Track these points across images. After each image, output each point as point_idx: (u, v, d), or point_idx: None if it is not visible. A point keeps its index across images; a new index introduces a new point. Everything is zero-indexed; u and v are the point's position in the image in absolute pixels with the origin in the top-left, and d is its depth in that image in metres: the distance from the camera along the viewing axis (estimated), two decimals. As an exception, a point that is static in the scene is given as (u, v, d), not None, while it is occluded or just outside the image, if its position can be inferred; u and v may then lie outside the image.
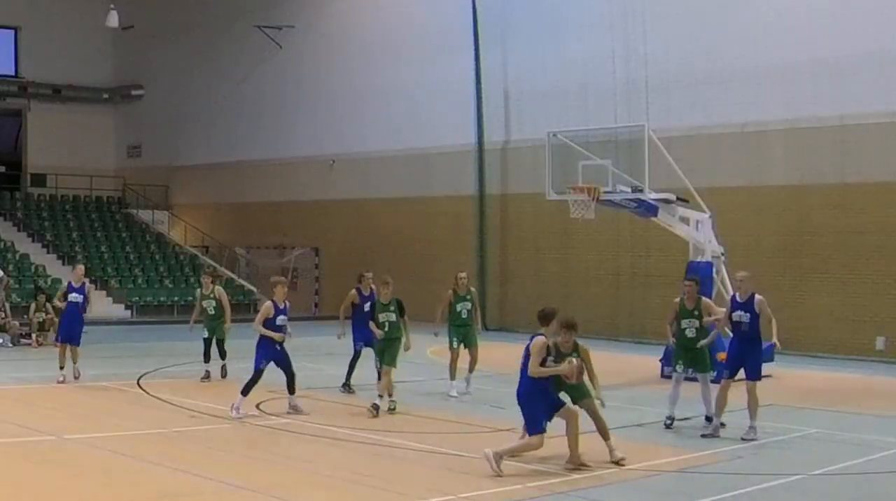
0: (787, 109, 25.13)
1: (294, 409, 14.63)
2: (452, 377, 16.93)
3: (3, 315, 24.51)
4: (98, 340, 23.16)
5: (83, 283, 18.08)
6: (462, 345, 17.12)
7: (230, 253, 39.44)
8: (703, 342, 13.78)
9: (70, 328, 17.62)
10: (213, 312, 18.09)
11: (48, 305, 24.82)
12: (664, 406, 14.00)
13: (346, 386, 17.13)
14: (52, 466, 11.05)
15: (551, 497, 10.07)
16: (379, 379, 15.21)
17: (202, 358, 18.21)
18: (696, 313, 13.92)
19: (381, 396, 14.87)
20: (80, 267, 18.78)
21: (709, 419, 13.57)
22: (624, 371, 19.63)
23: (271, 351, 14.54)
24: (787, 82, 25.12)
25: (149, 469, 10.93)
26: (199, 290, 18.83)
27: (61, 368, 17.39)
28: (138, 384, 17.38)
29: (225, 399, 15.20)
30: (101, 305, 28.31)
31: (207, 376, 18.00)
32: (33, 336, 24.30)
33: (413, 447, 12.12)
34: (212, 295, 18.15)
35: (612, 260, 28.36)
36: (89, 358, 18.73)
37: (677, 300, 14.17)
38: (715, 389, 13.51)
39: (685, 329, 13.95)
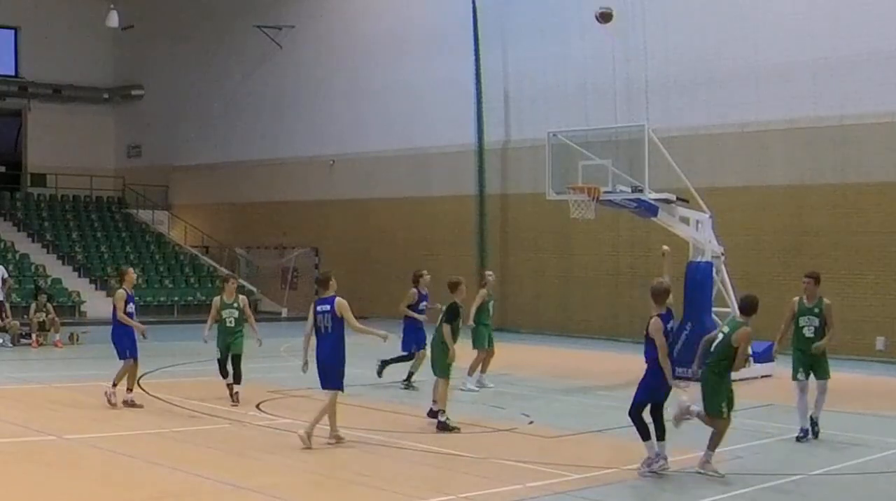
0: (787, 109, 25.11)
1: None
2: (472, 373, 17.37)
3: (3, 315, 24.49)
4: (98, 340, 23.13)
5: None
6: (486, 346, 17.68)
7: (230, 253, 39.43)
8: (816, 344, 13.01)
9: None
10: (232, 324, 15.64)
11: (48, 305, 24.86)
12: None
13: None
14: (52, 466, 11.04)
15: (551, 497, 10.07)
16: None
17: (221, 375, 15.76)
18: (815, 311, 13.00)
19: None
20: (132, 271, 16.61)
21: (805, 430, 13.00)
22: (624, 371, 19.52)
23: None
24: (787, 82, 25.09)
25: (149, 469, 10.92)
26: (217, 298, 16.09)
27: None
28: (138, 384, 17.34)
29: (224, 399, 15.22)
30: (101, 305, 28.22)
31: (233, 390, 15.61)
32: (33, 336, 24.28)
33: (413, 447, 12.11)
34: (235, 305, 15.79)
35: (612, 260, 28.34)
36: (90, 359, 18.74)
37: (796, 299, 13.14)
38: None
39: (803, 327, 13.02)
